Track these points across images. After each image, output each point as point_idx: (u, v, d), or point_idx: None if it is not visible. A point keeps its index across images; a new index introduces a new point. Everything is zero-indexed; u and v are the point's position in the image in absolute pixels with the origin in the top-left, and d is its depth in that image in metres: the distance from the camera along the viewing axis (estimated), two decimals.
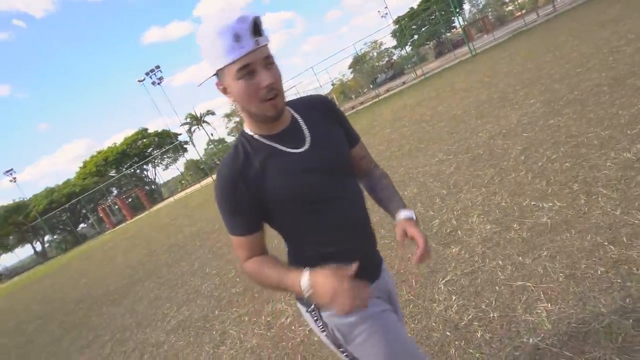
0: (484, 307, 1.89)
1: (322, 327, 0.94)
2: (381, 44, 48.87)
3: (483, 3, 52.53)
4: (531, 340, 1.58)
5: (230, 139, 48.02)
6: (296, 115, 0.96)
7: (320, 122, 0.96)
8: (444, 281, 2.25)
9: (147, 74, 34.04)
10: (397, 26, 41.43)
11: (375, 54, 49.86)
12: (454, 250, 2.54)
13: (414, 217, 0.95)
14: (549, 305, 1.70)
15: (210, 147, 49.46)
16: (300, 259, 0.95)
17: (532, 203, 2.60)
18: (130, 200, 40.87)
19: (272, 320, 2.80)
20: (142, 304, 4.87)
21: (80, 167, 45.98)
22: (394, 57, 50.71)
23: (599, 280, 1.69)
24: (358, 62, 44.65)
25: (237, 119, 45.26)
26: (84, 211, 42.30)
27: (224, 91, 0.85)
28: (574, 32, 9.56)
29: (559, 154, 3.11)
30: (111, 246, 16.33)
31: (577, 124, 3.49)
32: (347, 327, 0.92)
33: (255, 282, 0.94)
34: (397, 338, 0.94)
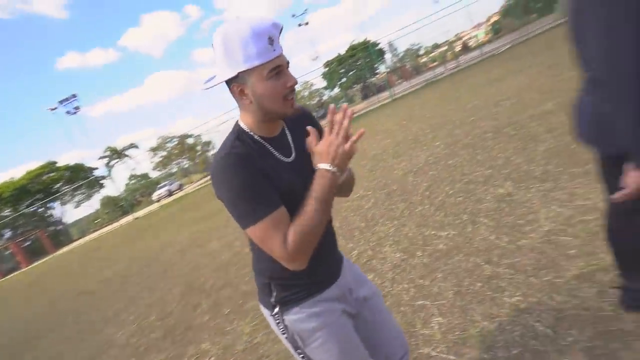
0: None
1: (283, 330, 1.05)
2: (312, 84, 51.55)
3: (402, 54, 58.90)
4: (426, 350, 1.85)
5: (155, 174, 45.32)
6: (284, 125, 1.04)
7: (302, 137, 1.00)
8: None
9: (61, 102, 31.30)
10: (326, 69, 44.30)
11: (307, 93, 52.25)
12: (369, 277, 2.81)
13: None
14: (441, 318, 2.01)
15: (132, 182, 46.05)
16: (264, 260, 1.00)
17: (433, 232, 3.02)
18: (29, 243, 35.59)
19: None
20: None
21: None
22: (324, 97, 53.61)
23: (477, 294, 2.06)
24: None
25: (165, 153, 43.14)
26: None
27: (241, 93, 0.90)
28: (470, 86, 11.26)
29: (454, 190, 3.66)
30: None
31: (469, 164, 4.16)
32: (306, 332, 1.03)
33: (310, 243, 0.89)
34: (349, 347, 1.06)
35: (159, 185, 34.25)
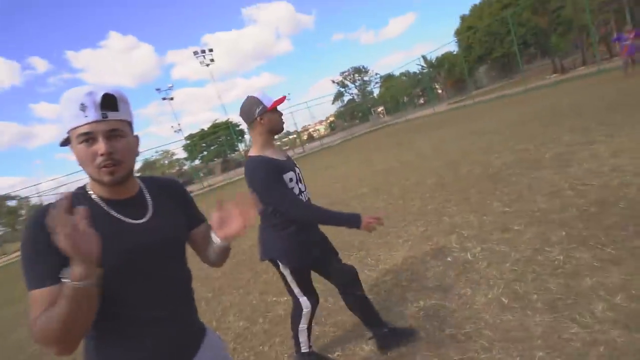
0: None
1: None
2: (173, 154, 48.53)
3: None
4: None
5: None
6: (144, 189, 0.95)
7: (166, 202, 0.97)
8: None
9: None
10: (189, 141, 42.80)
11: (166, 161, 48.57)
12: None
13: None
14: None
15: None
16: (102, 329, 0.83)
17: (274, 298, 3.05)
18: None
19: None
20: None
21: None
22: (185, 167, 50.82)
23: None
24: (148, 167, 42.02)
25: None
26: None
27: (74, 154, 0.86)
28: (312, 170, 12.68)
29: None
30: None
31: None
32: None
33: (61, 332, 0.70)
34: None
35: None
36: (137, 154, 0.92)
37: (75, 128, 0.81)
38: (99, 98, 0.80)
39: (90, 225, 0.70)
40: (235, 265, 4.35)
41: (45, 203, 0.87)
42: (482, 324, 1.85)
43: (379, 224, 1.62)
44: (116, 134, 0.83)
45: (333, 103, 58.87)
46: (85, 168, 0.84)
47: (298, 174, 1.75)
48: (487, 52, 32.02)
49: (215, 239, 1.01)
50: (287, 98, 1.74)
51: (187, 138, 43.37)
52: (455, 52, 39.65)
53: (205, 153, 49.76)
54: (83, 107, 0.80)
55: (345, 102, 59.61)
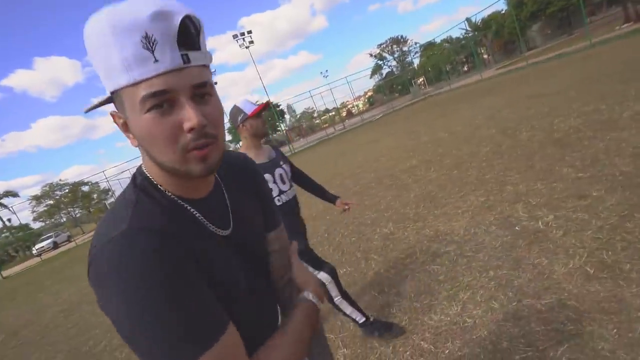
0: None
1: None
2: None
3: (299, 115, 62.67)
4: None
5: (38, 225, 36.88)
6: (218, 178, 0.64)
7: (241, 195, 0.67)
8: None
9: None
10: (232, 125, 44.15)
11: None
12: None
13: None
14: (345, 350, 2.00)
15: (4, 234, 36.51)
16: None
17: None
18: None
19: None
20: None
21: None
22: (230, 149, 52.72)
23: None
24: None
25: (51, 202, 35.81)
26: None
27: (124, 127, 0.52)
28: (355, 145, 12.48)
29: (348, 231, 3.86)
30: None
31: (359, 209, 4.47)
32: None
33: None
34: None
35: (41, 237, 27.79)
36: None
37: (135, 84, 0.45)
38: (176, 26, 0.45)
39: (189, 243, 0.51)
40: None
41: (113, 212, 0.52)
42: (565, 295, 1.71)
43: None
44: (204, 92, 0.50)
45: (371, 77, 56.93)
46: (155, 153, 0.49)
47: (280, 174, 1.78)
48: (541, 7, 28.57)
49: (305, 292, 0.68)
50: (270, 103, 1.81)
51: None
52: (503, 12, 35.90)
53: None
54: (149, 42, 0.44)
55: (384, 75, 57.28)
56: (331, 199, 2.09)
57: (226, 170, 0.67)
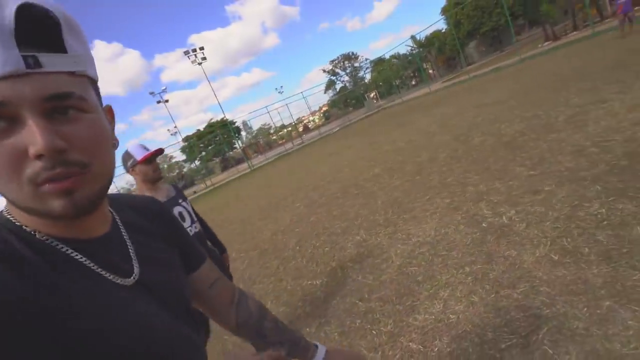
0: None
1: None
2: (172, 157, 48.32)
3: (255, 132, 62.09)
4: None
5: None
6: (117, 219, 0.53)
7: (150, 239, 0.57)
8: None
9: None
10: (186, 143, 42.57)
11: (165, 166, 48.37)
12: None
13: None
14: None
15: None
16: None
17: (309, 282, 3.02)
18: None
19: None
20: None
21: None
22: (185, 170, 50.67)
23: (358, 330, 2.10)
24: None
25: None
26: None
27: None
28: (316, 158, 12.60)
29: (320, 242, 3.83)
30: None
31: (328, 220, 4.47)
32: None
33: None
34: None
35: None
36: (115, 145, 0.48)
37: None
38: (7, 17, 0.34)
39: (71, 291, 0.39)
40: (260, 254, 4.32)
41: None
42: (536, 282, 1.83)
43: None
44: (68, 106, 0.39)
45: (325, 92, 58.47)
46: (1, 189, 0.38)
47: (180, 212, 1.81)
48: (476, 26, 31.67)
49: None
50: (162, 150, 1.86)
51: (184, 140, 43.08)
52: (443, 30, 39.21)
53: (203, 154, 49.52)
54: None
55: (338, 90, 59.14)
56: (219, 248, 2.20)
57: (128, 212, 0.57)
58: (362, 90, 46.36)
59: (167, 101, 39.56)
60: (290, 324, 2.51)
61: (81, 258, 0.43)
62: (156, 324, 0.46)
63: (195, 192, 25.43)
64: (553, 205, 2.49)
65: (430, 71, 44.86)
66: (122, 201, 0.59)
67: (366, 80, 54.42)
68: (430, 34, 40.45)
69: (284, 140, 44.97)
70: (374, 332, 2.02)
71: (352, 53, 59.72)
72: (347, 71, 60.01)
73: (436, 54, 41.37)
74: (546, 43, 20.47)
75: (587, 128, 3.70)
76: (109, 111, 0.49)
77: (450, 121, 7.63)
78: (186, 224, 1.82)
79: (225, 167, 45.16)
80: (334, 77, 60.02)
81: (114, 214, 0.54)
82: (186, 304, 0.56)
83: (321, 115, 66.04)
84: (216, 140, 46.26)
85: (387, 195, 4.37)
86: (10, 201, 0.40)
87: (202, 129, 49.48)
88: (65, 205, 0.38)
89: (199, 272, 0.64)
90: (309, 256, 3.59)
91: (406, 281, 2.37)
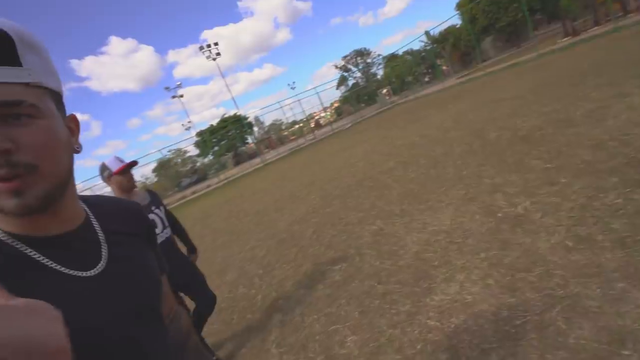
0: (310, 355, 2.07)
1: None
2: (185, 151, 49.12)
3: (268, 127, 62.45)
4: None
5: None
6: (92, 218, 0.58)
7: (125, 239, 0.61)
8: (274, 345, 2.33)
9: None
10: (199, 138, 43.19)
11: (180, 160, 49.20)
12: (278, 316, 2.69)
13: None
14: (354, 336, 2.07)
15: None
16: None
17: (328, 267, 3.15)
18: None
19: None
20: None
21: None
22: (198, 164, 51.43)
23: (377, 310, 2.22)
24: (162, 166, 42.68)
25: None
26: None
27: None
28: (329, 153, 12.69)
29: (337, 231, 3.95)
30: None
31: (343, 211, 4.58)
32: None
33: None
34: None
35: None
36: (74, 149, 0.53)
37: None
38: None
39: (29, 291, 0.38)
40: (278, 243, 4.47)
41: None
42: (551, 266, 1.91)
43: None
44: (18, 113, 0.43)
45: (337, 88, 58.26)
46: None
47: (152, 219, 1.98)
48: (491, 22, 31.04)
49: None
50: (136, 163, 2.04)
51: (197, 135, 43.76)
52: (458, 26, 38.54)
53: (216, 148, 50.14)
54: None
55: (350, 86, 58.88)
56: (190, 248, 2.46)
57: (112, 216, 0.62)
58: (375, 87, 46.09)
59: (181, 96, 40.20)
60: (310, 305, 2.64)
61: (35, 254, 0.47)
62: (114, 314, 0.50)
63: (209, 186, 25.85)
64: (569, 196, 2.55)
65: (445, 67, 44.26)
66: (99, 203, 0.63)
67: (379, 77, 54.03)
68: (445, 29, 39.87)
69: (294, 137, 45.11)
70: (392, 311, 2.14)
71: (365, 49, 59.37)
72: (360, 67, 59.70)
73: (450, 50, 40.75)
74: (565, 39, 19.98)
75: (607, 122, 3.70)
76: (73, 119, 0.55)
77: (465, 116, 7.62)
78: (158, 230, 1.99)
79: (237, 162, 45.67)
80: (346, 73, 59.80)
81: (88, 211, 0.58)
82: (152, 299, 0.60)
83: (333, 111, 65.97)
84: (229, 136, 46.79)
85: (402, 187, 4.45)
86: None
87: (214, 124, 50.11)
88: (16, 204, 0.43)
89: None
90: (327, 244, 3.71)
91: (423, 266, 2.47)
